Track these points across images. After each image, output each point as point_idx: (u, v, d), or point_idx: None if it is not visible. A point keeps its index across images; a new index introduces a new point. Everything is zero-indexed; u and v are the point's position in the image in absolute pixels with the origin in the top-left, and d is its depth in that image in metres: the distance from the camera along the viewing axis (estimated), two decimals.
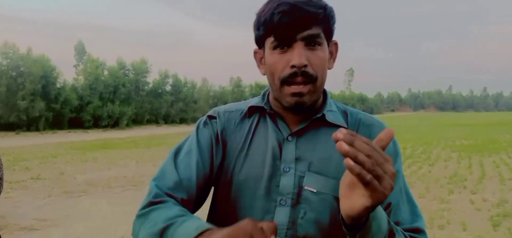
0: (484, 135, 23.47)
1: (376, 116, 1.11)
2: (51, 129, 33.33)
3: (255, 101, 1.11)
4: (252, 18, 1.03)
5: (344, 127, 1.02)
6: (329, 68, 1.04)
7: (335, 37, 1.04)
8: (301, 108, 0.99)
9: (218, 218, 1.07)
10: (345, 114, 1.09)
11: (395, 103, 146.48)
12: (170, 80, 48.51)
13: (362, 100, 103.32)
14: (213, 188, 1.10)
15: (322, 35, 0.97)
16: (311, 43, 0.96)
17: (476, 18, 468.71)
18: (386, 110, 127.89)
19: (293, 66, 0.95)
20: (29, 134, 29.55)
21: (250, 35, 1.06)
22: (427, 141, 19.85)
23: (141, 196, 0.97)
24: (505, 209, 6.68)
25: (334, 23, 1.00)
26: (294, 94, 0.97)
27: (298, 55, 0.94)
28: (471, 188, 8.38)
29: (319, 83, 0.99)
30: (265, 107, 1.07)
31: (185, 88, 49.50)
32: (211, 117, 1.12)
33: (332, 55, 1.06)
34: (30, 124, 32.24)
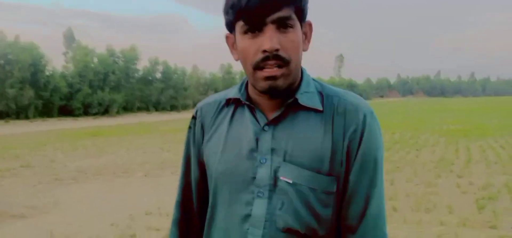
0: (472, 120, 23.69)
1: (353, 94, 1.06)
2: (41, 117, 33.07)
3: (233, 91, 1.09)
4: None
5: (320, 111, 1.00)
6: (304, 50, 1.00)
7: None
8: (275, 92, 0.95)
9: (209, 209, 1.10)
10: (321, 95, 1.03)
11: (384, 89, 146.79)
12: (160, 67, 48.22)
13: (351, 86, 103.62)
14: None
15: (294, 16, 0.93)
16: (283, 25, 0.92)
17: (465, 5, 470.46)
18: (375, 96, 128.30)
19: (264, 51, 0.91)
20: (19, 122, 29.30)
21: None
22: (416, 126, 19.99)
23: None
24: (490, 192, 6.79)
25: (306, 3, 0.96)
26: (267, 78, 0.93)
27: (269, 39, 0.90)
28: (458, 172, 8.49)
29: (293, 66, 0.94)
30: (241, 98, 1.04)
31: (175, 75, 49.20)
32: (193, 117, 1.15)
33: (307, 36, 1.01)
34: (19, 112, 31.97)
